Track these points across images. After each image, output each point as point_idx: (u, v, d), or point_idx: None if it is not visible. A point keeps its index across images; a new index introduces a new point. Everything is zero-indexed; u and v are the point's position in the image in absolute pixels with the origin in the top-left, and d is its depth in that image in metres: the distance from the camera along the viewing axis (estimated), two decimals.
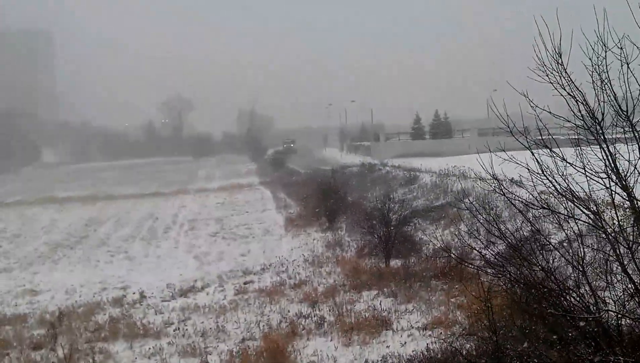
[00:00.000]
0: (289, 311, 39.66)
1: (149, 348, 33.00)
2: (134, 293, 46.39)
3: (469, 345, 26.12)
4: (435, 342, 33.22)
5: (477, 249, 21.39)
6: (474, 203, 27.56)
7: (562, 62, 14.92)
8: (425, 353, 30.54)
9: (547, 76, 15.10)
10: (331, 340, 36.88)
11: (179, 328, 36.93)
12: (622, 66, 14.45)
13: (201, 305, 42.07)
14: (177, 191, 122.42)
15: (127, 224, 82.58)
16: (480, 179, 22.92)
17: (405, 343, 35.65)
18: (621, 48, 14.36)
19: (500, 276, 18.19)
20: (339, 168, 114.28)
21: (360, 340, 36.41)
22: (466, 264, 24.80)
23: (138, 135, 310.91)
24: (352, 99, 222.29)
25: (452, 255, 34.61)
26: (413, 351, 31.79)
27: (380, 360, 32.07)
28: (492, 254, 20.49)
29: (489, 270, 19.14)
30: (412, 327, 38.32)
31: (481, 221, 20.20)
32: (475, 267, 21.44)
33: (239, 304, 42.01)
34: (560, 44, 14.81)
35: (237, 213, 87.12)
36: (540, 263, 16.42)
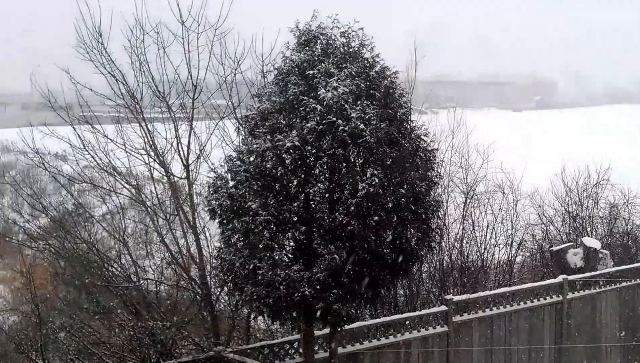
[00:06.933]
0: None
1: None
2: None
3: (12, 319, 24.57)
4: None
5: (20, 223, 19.96)
6: (16, 177, 25.69)
7: (102, 41, 14.48)
8: None
9: (87, 53, 14.53)
10: None
11: None
12: (159, 49, 14.57)
13: None
14: None
15: None
16: (22, 154, 21.40)
17: None
18: (158, 33, 14.44)
19: (43, 249, 17.26)
20: None
21: None
22: (8, 238, 23.07)
23: None
24: None
25: None
26: None
27: None
28: (35, 228, 19.26)
29: (32, 244, 18.04)
30: None
31: (24, 195, 18.84)
32: (18, 241, 20.08)
33: None
34: (100, 23, 14.35)
35: None
36: (83, 235, 15.88)
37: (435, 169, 12.44)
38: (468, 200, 21.43)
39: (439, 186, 15.45)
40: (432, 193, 12.14)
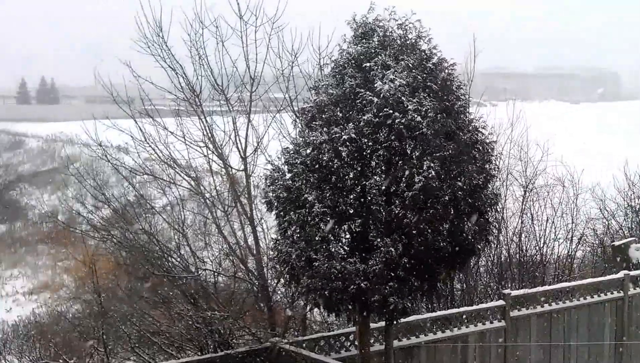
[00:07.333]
0: None
1: None
2: None
3: (75, 308, 25.25)
4: (41, 306, 31.74)
5: (83, 214, 20.46)
6: (80, 169, 26.34)
7: (162, 35, 14.69)
8: (32, 317, 29.08)
9: (148, 47, 14.76)
10: None
11: None
12: (217, 43, 14.70)
13: None
14: None
15: None
16: (86, 146, 21.93)
17: (10, 309, 33.61)
18: (217, 27, 14.57)
19: (105, 240, 17.62)
20: None
21: None
22: (72, 229, 23.66)
23: None
24: None
25: (58, 219, 33.08)
26: (18, 316, 30.07)
27: None
28: (98, 219, 19.71)
29: (95, 234, 18.45)
30: (18, 292, 36.43)
31: (87, 186, 19.34)
32: (81, 232, 20.57)
33: None
34: (160, 17, 14.57)
35: None
36: (143, 226, 16.16)
37: (493, 162, 12.27)
38: (527, 193, 21.10)
39: (497, 179, 15.25)
40: (490, 185, 12.00)
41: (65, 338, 21.12)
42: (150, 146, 15.12)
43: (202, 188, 15.21)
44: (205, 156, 14.97)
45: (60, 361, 18.02)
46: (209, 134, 14.79)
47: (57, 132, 71.47)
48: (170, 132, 15.09)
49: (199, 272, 15.24)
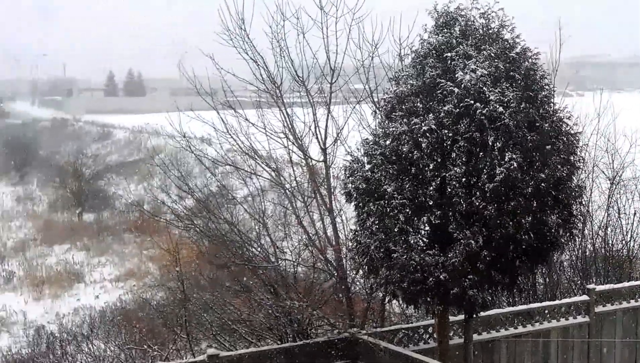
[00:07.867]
0: None
1: None
2: None
3: (159, 295, 25.94)
4: (127, 293, 32.76)
5: (168, 204, 21.02)
6: (165, 159, 27.03)
7: (244, 27, 14.89)
8: (118, 304, 30.05)
9: (231, 40, 14.99)
10: (21, 295, 34.94)
11: None
12: (298, 35, 14.80)
13: None
14: None
15: None
16: (171, 137, 22.48)
17: (98, 295, 34.86)
18: (298, 18, 14.67)
19: (189, 229, 18.03)
20: (31, 121, 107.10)
21: (52, 294, 34.90)
22: (157, 218, 24.31)
23: None
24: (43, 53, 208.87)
25: (144, 209, 34.06)
26: (105, 302, 31.13)
27: (72, 313, 31.11)
28: (182, 208, 20.19)
29: (178, 224, 18.89)
30: (105, 279, 37.72)
31: (172, 177, 19.84)
32: (166, 221, 21.09)
33: None
34: (243, 10, 14.77)
35: None
36: (225, 216, 16.45)
37: (578, 153, 11.98)
38: (614, 186, 20.49)
39: (583, 171, 14.86)
40: (574, 178, 11.74)
41: (149, 325, 21.73)
42: (232, 137, 15.36)
43: (282, 178, 15.36)
44: (285, 147, 15.11)
45: (145, 347, 18.56)
46: (289, 126, 14.92)
47: (143, 124, 73.43)
48: (252, 123, 15.29)
49: (279, 262, 15.41)
